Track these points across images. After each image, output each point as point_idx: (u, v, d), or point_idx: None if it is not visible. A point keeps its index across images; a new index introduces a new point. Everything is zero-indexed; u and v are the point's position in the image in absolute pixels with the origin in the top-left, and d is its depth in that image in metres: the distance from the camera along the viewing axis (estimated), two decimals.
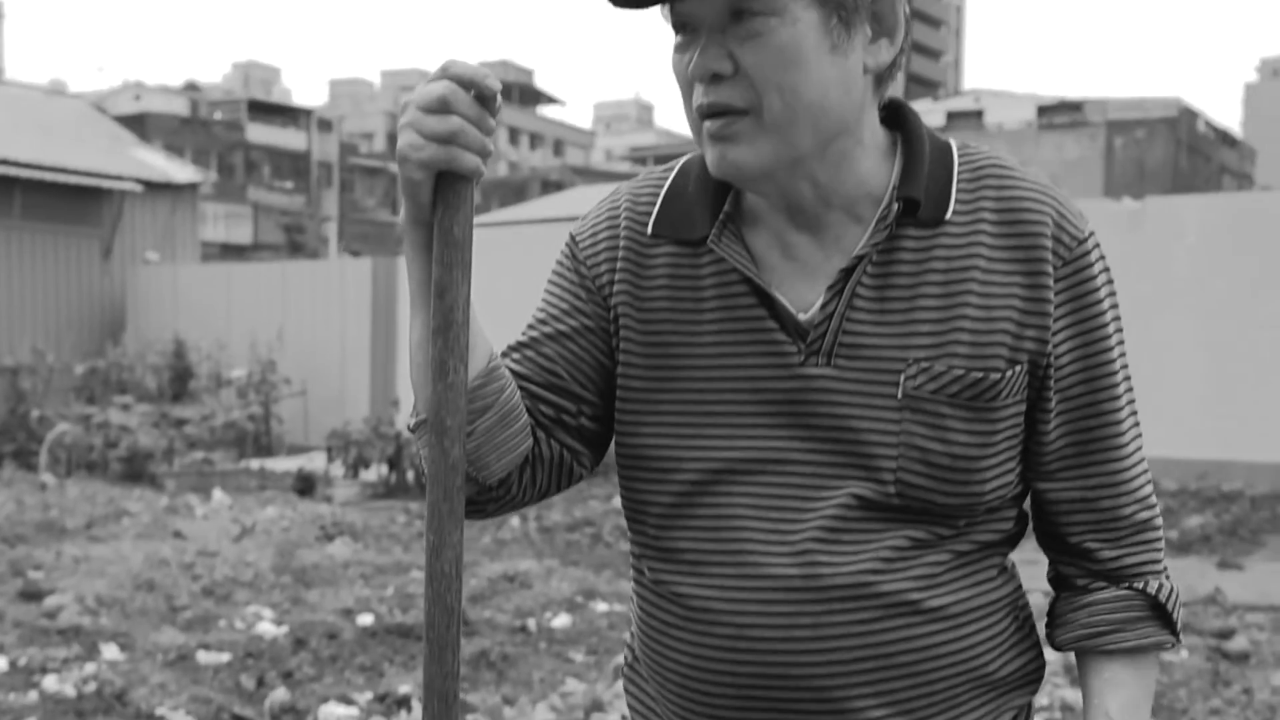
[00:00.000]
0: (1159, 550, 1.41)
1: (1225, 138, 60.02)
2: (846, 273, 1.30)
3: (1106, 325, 1.35)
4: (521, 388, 1.39)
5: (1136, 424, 1.40)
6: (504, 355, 1.42)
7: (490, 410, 1.31)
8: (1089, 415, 1.35)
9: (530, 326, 1.44)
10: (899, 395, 1.29)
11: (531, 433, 1.38)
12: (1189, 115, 51.69)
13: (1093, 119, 50.28)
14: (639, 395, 1.38)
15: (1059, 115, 51.63)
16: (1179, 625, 1.41)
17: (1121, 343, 1.38)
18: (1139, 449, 1.39)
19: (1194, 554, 8.52)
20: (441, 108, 1.18)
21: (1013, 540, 1.40)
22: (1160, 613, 1.39)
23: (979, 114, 54.48)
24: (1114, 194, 37.86)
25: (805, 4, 1.24)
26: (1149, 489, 1.41)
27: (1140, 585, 1.39)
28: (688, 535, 1.36)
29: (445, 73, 1.19)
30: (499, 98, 1.20)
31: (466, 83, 1.18)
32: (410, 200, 1.23)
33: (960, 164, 1.35)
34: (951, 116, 54.73)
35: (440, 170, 1.20)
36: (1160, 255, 11.36)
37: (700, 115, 1.28)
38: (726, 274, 1.35)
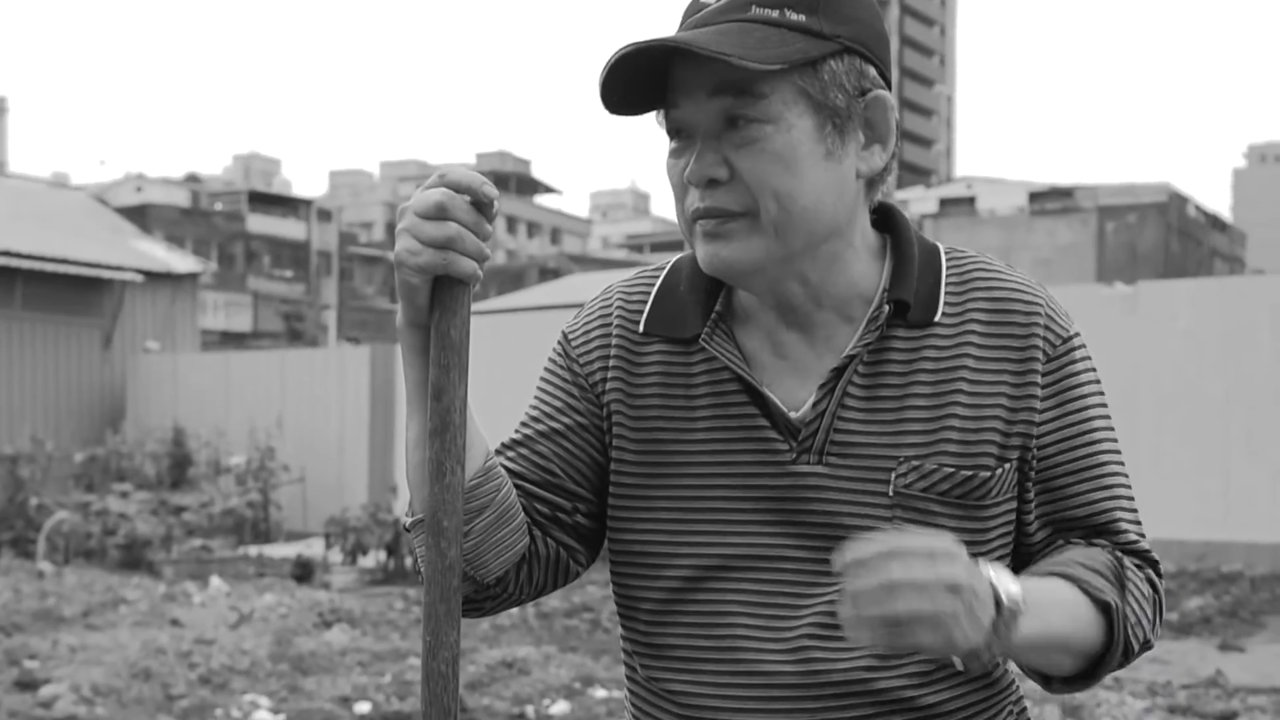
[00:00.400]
0: (1148, 572, 1.37)
1: (1215, 222, 60.52)
2: (838, 372, 1.32)
3: (1092, 419, 1.35)
4: (517, 486, 1.39)
5: (1131, 513, 1.38)
6: (498, 453, 1.42)
7: (488, 510, 1.32)
8: (1073, 495, 1.35)
9: (524, 424, 1.45)
10: (890, 493, 1.30)
11: (528, 531, 1.38)
12: (1179, 200, 52.17)
13: (1084, 205, 50.71)
14: (631, 491, 1.39)
15: (1050, 201, 52.08)
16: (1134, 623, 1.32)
17: (1112, 440, 1.37)
18: (1134, 525, 1.38)
19: (1194, 636, 8.49)
20: (438, 214, 1.19)
21: None
22: (1120, 583, 1.30)
23: (971, 200, 54.94)
24: (1106, 278, 38.11)
25: (800, 111, 1.26)
26: (1144, 542, 1.38)
27: (1118, 555, 1.34)
28: (680, 632, 1.36)
29: (442, 179, 1.21)
30: (496, 204, 1.22)
31: (463, 189, 1.20)
32: (407, 303, 1.24)
33: (949, 266, 1.37)
34: (944, 203, 55.19)
35: (437, 275, 1.21)
36: (1154, 338, 11.44)
37: (694, 217, 1.30)
38: (718, 372, 1.36)
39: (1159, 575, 1.38)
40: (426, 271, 1.21)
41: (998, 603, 1.14)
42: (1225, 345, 11.26)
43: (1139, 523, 1.38)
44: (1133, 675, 6.96)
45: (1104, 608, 1.27)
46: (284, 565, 12.33)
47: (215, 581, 10.96)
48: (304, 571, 11.88)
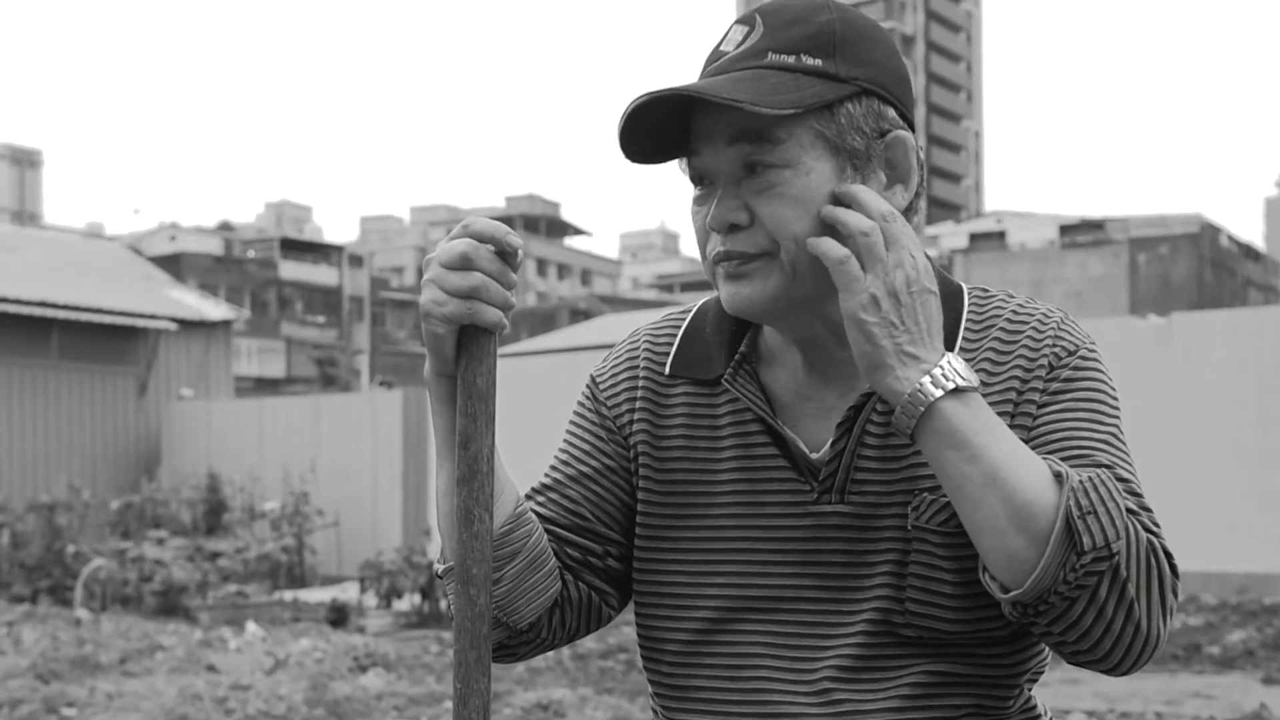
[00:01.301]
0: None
1: (1248, 251, 60.15)
2: (856, 410, 1.32)
3: (1084, 415, 1.28)
4: (548, 530, 1.39)
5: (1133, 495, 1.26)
6: (528, 498, 1.43)
7: (519, 556, 1.33)
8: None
9: (553, 468, 1.46)
10: (908, 527, 1.30)
11: (560, 576, 1.39)
12: (1211, 230, 51.90)
13: (1115, 237, 50.53)
14: (656, 532, 1.40)
15: (1081, 234, 51.92)
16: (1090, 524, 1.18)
17: (1111, 430, 1.29)
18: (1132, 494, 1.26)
19: (1237, 669, 8.37)
20: (463, 264, 1.21)
21: (1036, 674, 1.38)
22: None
23: (1001, 235, 54.84)
24: (1139, 310, 37.89)
25: (818, 155, 1.27)
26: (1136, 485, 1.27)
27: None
28: (704, 673, 1.36)
29: (466, 230, 1.22)
30: (520, 252, 1.23)
31: (487, 238, 1.22)
32: (434, 353, 1.26)
33: (970, 306, 1.37)
34: (974, 238, 55.13)
35: (463, 324, 1.22)
36: (1189, 370, 11.36)
37: (716, 260, 1.31)
38: (742, 413, 1.37)
39: (1159, 538, 1.22)
40: (452, 321, 1.22)
41: (941, 371, 1.20)
42: (1261, 375, 11.16)
43: (1139, 494, 1.26)
44: (1175, 710, 6.87)
45: (1055, 475, 1.19)
46: (319, 610, 12.35)
47: (251, 627, 10.99)
48: (339, 616, 11.89)
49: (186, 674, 8.66)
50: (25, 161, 69.65)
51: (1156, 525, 1.24)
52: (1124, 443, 1.30)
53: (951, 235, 55.31)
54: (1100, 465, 1.24)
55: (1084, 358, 1.32)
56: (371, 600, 12.61)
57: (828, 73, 1.27)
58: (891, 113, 1.30)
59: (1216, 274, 51.81)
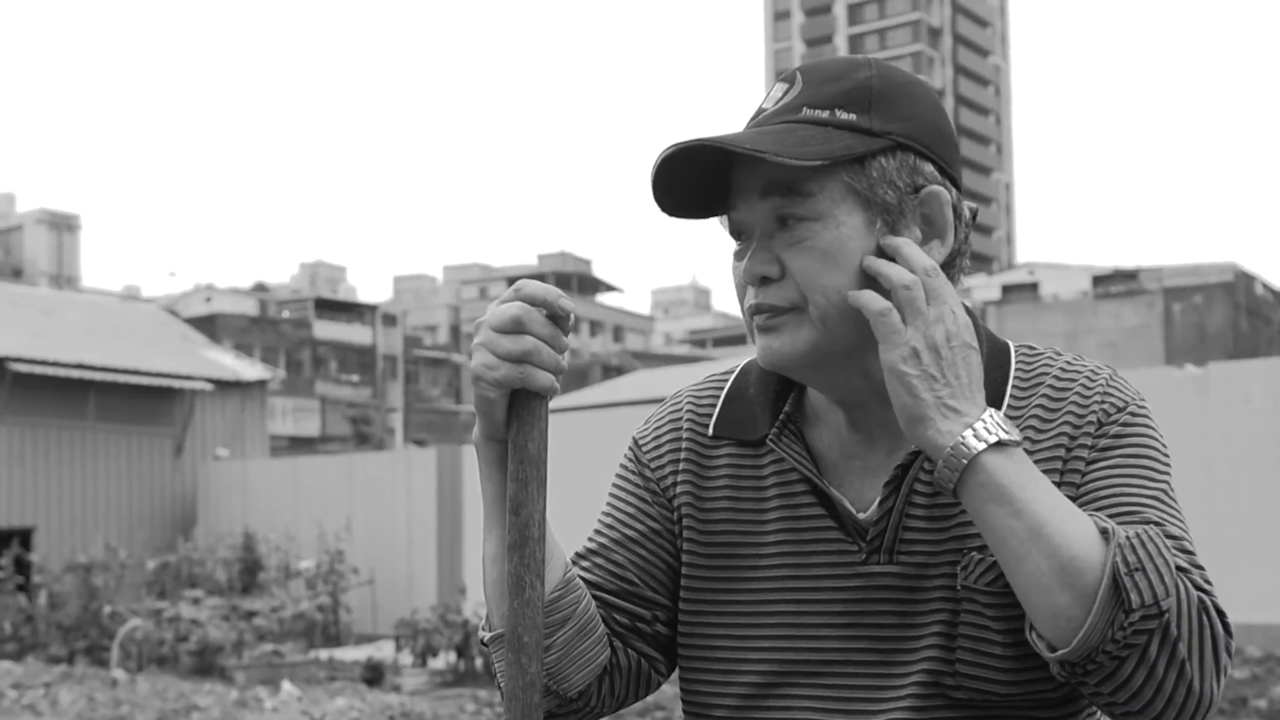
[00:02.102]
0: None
1: None
2: (903, 469, 1.30)
3: (1135, 470, 1.26)
4: (595, 596, 1.37)
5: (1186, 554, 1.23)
6: (573, 563, 1.41)
7: (569, 623, 1.31)
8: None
9: (598, 532, 1.44)
10: (958, 587, 1.27)
11: (609, 642, 1.37)
12: (1245, 279, 51.58)
13: (1149, 287, 50.29)
14: (701, 595, 1.38)
15: (1115, 284, 51.70)
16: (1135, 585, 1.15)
17: (1162, 486, 1.27)
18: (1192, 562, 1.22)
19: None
20: (515, 328, 1.20)
21: None
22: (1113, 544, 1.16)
23: (1034, 286, 54.67)
24: (1175, 361, 37.65)
25: (849, 209, 1.26)
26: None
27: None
28: None
29: (518, 293, 1.21)
30: (572, 316, 1.22)
31: (539, 302, 1.21)
32: (484, 417, 1.24)
33: (1017, 363, 1.35)
34: (1006, 290, 54.95)
35: (514, 389, 1.21)
36: (1227, 420, 11.25)
37: (751, 314, 1.31)
38: (787, 473, 1.36)
39: (1210, 595, 1.20)
40: (504, 386, 1.21)
41: (984, 424, 1.19)
42: None
43: (1191, 551, 1.23)
44: None
45: (1102, 531, 1.17)
46: (355, 668, 12.33)
47: (287, 686, 10.97)
48: (375, 674, 11.87)
49: None
50: (63, 226, 70.67)
51: (1209, 583, 1.21)
52: (1175, 499, 1.28)
53: (984, 287, 55.17)
54: (1149, 522, 1.22)
55: (1133, 414, 1.30)
56: (407, 658, 12.58)
57: (860, 127, 1.26)
58: (929, 168, 1.29)
59: (1252, 323, 51.42)
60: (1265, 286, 55.51)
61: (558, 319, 1.22)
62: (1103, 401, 1.30)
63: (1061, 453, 1.28)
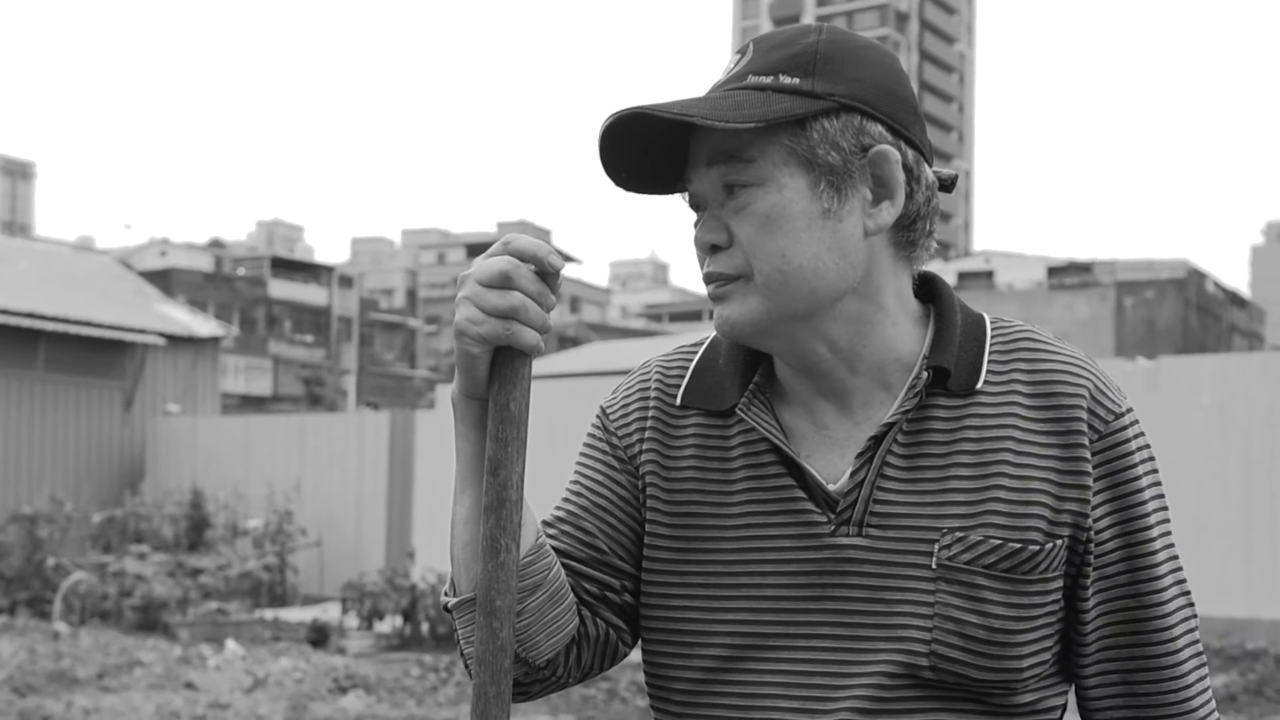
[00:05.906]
0: None
1: (1234, 298, 60.50)
2: (876, 440, 1.28)
3: (1146, 504, 1.31)
4: (564, 565, 1.35)
5: (1185, 607, 1.33)
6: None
7: (541, 588, 1.28)
8: (1128, 596, 1.30)
9: (566, 500, 1.41)
10: (933, 565, 1.25)
11: (577, 611, 1.35)
12: (1197, 276, 52.20)
13: (1102, 279, 50.80)
14: (665, 566, 1.35)
15: (1069, 276, 52.19)
16: None
17: (1165, 521, 1.33)
18: (1188, 634, 1.33)
19: (1220, 714, 8.38)
20: (503, 283, 1.17)
21: None
22: None
23: (989, 274, 55.08)
24: (1126, 353, 38.03)
25: (791, 172, 1.24)
26: (1196, 677, 1.33)
27: None
28: (715, 713, 1.31)
29: (506, 247, 1.19)
30: (561, 274, 1.20)
31: (528, 257, 1.19)
32: (465, 374, 1.22)
33: (993, 335, 1.34)
34: (963, 277, 55.32)
35: (498, 345, 1.19)
36: (1177, 414, 11.40)
37: (706, 283, 1.30)
38: (755, 443, 1.33)
39: (1202, 658, 1.35)
40: (488, 342, 1.19)
41: None
42: (1248, 421, 11.22)
43: (1194, 628, 1.34)
44: None
45: None
46: (300, 629, 12.29)
47: (231, 645, 10.93)
48: (320, 636, 11.83)
49: (165, 690, 8.61)
50: (18, 173, 69.55)
51: (1195, 614, 1.34)
52: (1168, 523, 1.35)
53: (940, 273, 55.46)
54: (1185, 592, 1.33)
55: (1124, 425, 1.31)
56: (353, 621, 12.55)
57: (802, 90, 1.24)
58: (877, 129, 1.26)
59: (1202, 319, 52.06)
60: (1216, 284, 56.17)
61: (547, 276, 1.20)
62: (1094, 406, 1.30)
63: (1056, 451, 1.28)
